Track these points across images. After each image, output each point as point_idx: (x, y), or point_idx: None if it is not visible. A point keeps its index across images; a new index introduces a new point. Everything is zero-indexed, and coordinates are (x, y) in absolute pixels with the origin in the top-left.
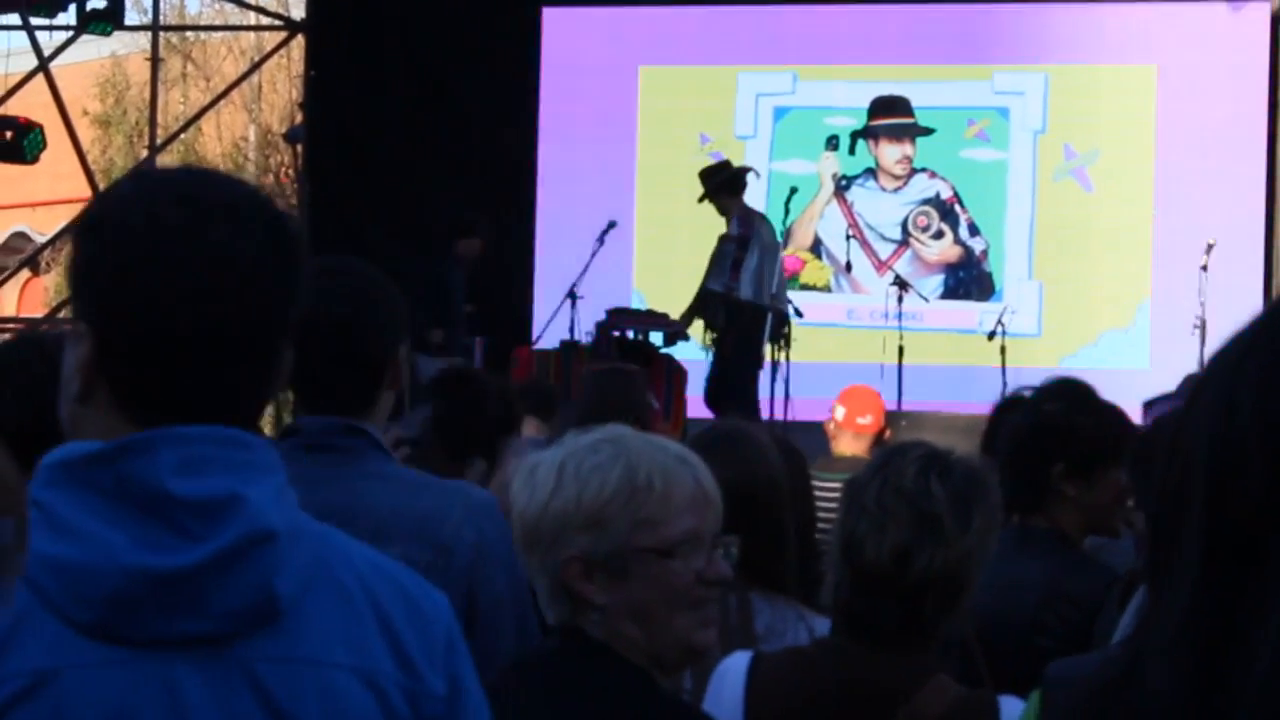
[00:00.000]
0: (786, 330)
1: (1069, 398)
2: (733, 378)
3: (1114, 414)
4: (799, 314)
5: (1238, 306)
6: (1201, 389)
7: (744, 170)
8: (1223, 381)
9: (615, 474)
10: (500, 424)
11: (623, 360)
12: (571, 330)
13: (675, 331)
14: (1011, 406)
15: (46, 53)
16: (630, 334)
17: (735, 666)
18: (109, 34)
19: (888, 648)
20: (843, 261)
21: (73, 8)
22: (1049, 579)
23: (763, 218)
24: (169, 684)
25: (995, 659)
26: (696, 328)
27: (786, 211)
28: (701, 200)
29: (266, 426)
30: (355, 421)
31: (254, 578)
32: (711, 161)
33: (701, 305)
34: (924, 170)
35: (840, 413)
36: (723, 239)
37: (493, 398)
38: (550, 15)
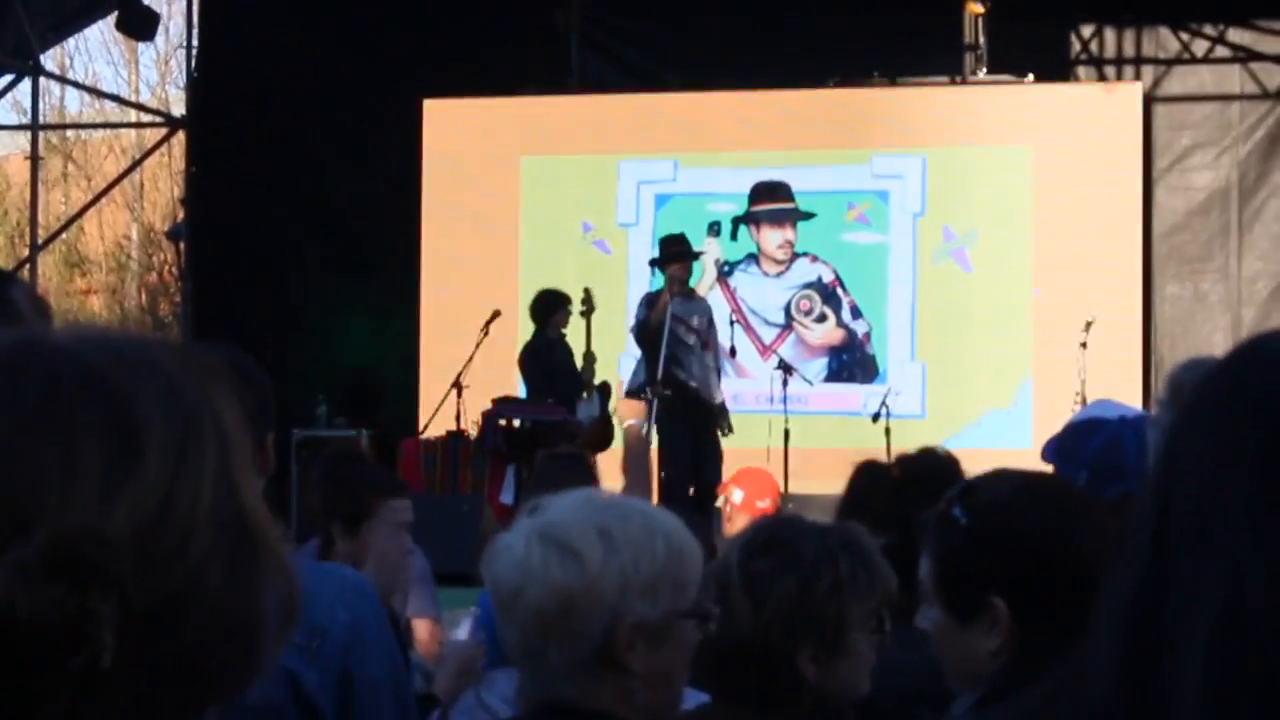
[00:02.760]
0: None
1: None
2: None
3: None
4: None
5: (1117, 382)
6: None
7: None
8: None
9: (660, 540)
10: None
11: (509, 449)
12: (457, 420)
13: (561, 420)
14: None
15: None
16: (516, 422)
17: None
18: None
19: (753, 710)
20: (727, 347)
21: None
22: (930, 650)
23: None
24: None
25: None
26: None
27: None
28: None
29: None
30: None
31: None
32: (595, 250)
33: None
34: (806, 254)
35: (738, 496)
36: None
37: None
38: (430, 107)
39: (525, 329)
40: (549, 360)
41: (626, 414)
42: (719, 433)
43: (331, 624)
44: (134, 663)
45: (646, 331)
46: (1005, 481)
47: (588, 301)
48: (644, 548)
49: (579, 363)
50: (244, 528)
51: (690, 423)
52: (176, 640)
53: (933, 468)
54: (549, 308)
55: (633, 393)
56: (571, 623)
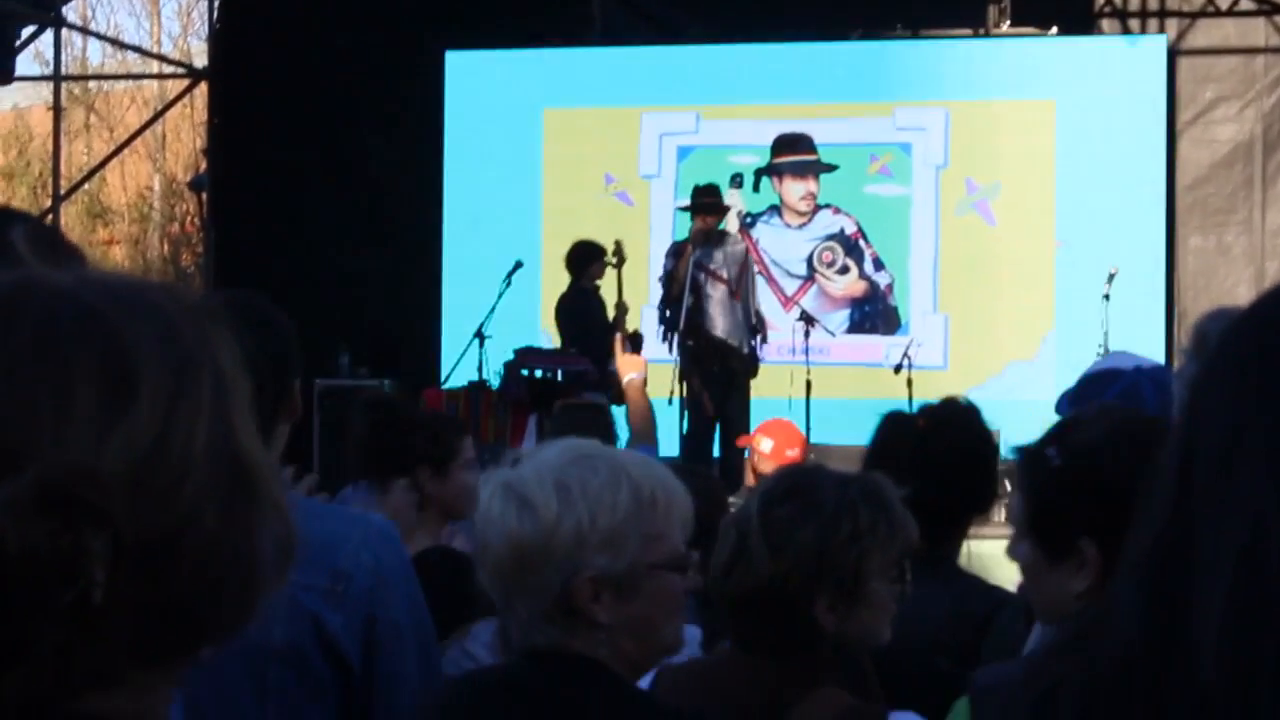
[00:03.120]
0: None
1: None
2: None
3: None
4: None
5: (1140, 334)
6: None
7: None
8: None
9: (624, 492)
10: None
11: (531, 399)
12: (479, 370)
13: (582, 370)
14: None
15: None
16: (538, 373)
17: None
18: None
19: (769, 657)
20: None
21: None
22: (952, 600)
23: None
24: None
25: (896, 681)
26: None
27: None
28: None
29: None
30: None
31: None
32: (617, 202)
33: None
34: (828, 206)
35: (768, 445)
36: None
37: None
38: (453, 59)
39: (548, 279)
40: (584, 311)
41: (626, 369)
42: (748, 382)
43: (356, 568)
44: (126, 600)
45: (673, 282)
46: (1102, 423)
47: (619, 253)
48: (603, 501)
49: (610, 314)
50: (240, 469)
51: (713, 373)
52: (170, 579)
53: (957, 416)
54: (585, 259)
55: (636, 347)
56: (529, 575)
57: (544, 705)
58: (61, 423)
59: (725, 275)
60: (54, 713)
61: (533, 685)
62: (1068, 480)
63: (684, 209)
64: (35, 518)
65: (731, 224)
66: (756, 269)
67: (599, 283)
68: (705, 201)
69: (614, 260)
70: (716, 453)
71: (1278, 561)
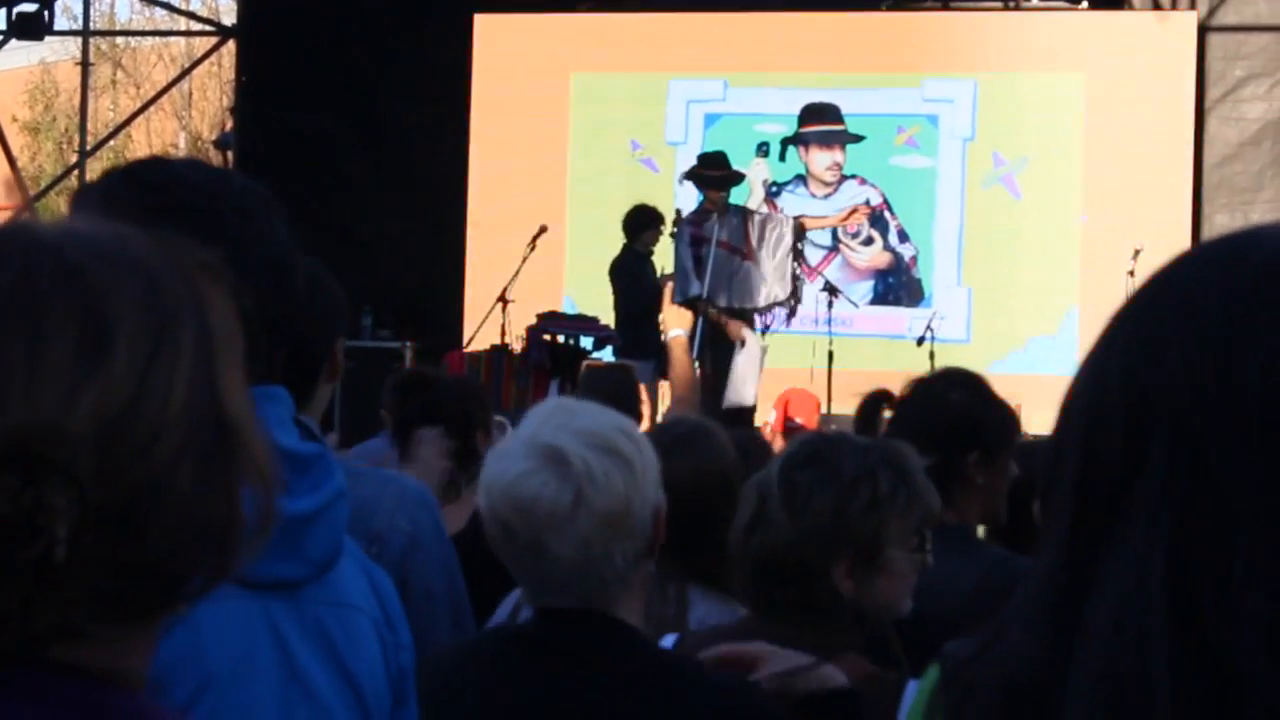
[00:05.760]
0: None
1: (969, 386)
2: None
3: (1004, 401)
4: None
5: None
6: (1085, 359)
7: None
8: (1098, 350)
9: (641, 435)
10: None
11: (552, 364)
12: (502, 334)
13: (605, 336)
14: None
15: None
16: (561, 338)
17: (662, 645)
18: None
19: (789, 623)
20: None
21: (1, 13)
22: (980, 575)
23: None
24: (271, 622)
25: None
26: None
27: None
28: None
29: None
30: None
31: (334, 530)
32: (643, 168)
33: None
34: (854, 177)
35: (774, 417)
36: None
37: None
38: (482, 22)
39: (572, 244)
40: (639, 274)
41: (673, 323)
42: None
43: (391, 532)
44: (93, 558)
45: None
46: None
47: (677, 223)
48: (645, 441)
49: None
50: (222, 430)
51: (727, 343)
52: (140, 538)
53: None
54: (640, 225)
55: (688, 302)
56: (632, 518)
57: (568, 660)
58: (32, 378)
59: (735, 244)
60: (21, 662)
61: (555, 640)
62: None
63: (688, 177)
64: None
65: (757, 192)
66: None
67: (653, 249)
68: (708, 175)
69: (674, 230)
70: None
71: (1132, 640)
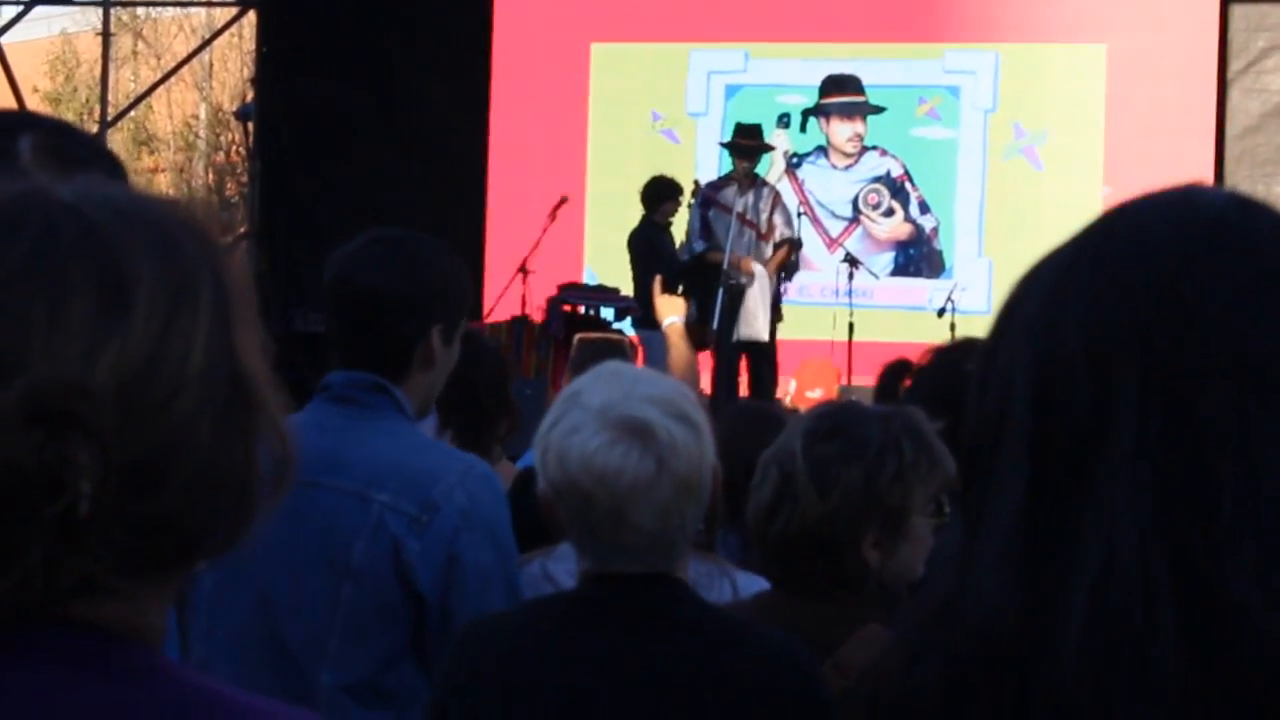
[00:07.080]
0: None
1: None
2: None
3: None
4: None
5: None
6: (1012, 312)
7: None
8: (1041, 301)
9: None
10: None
11: (571, 334)
12: (523, 305)
13: (626, 306)
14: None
15: None
16: (581, 308)
17: None
18: None
19: (813, 598)
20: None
21: None
22: None
23: None
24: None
25: None
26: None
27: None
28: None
29: None
30: (383, 381)
31: None
32: (663, 139)
33: None
34: (875, 148)
35: (792, 386)
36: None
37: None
38: None
39: (592, 215)
40: (658, 244)
41: (666, 311)
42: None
43: (447, 504)
44: (115, 514)
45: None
46: None
47: (695, 192)
48: (701, 402)
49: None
50: (239, 388)
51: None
52: (160, 494)
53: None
54: (658, 196)
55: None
56: (702, 481)
57: (641, 622)
58: (54, 336)
59: (753, 219)
60: (42, 619)
61: (625, 603)
62: None
63: (726, 146)
64: (22, 429)
65: (778, 163)
66: (801, 209)
67: (671, 220)
68: (739, 144)
69: (692, 202)
70: None
71: (1134, 579)
